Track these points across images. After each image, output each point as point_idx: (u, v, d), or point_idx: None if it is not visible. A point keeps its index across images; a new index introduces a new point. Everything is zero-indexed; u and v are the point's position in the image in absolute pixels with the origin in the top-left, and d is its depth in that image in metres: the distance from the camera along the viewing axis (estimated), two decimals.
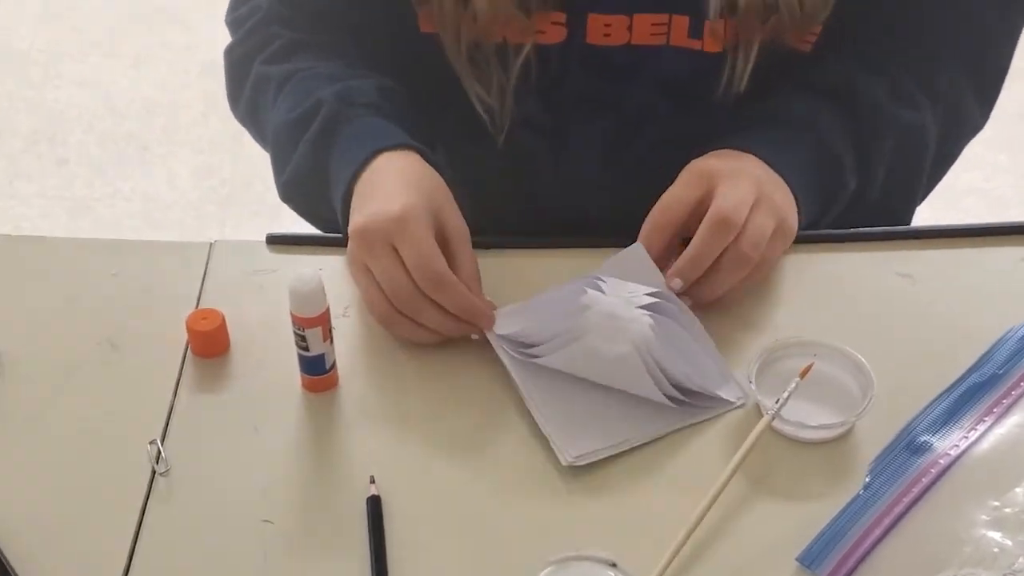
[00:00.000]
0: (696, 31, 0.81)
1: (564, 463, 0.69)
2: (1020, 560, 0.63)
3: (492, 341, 0.75)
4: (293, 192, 0.86)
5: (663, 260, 0.77)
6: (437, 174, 0.78)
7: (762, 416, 0.70)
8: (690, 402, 0.72)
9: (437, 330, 0.75)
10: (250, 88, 0.89)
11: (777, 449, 0.71)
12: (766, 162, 0.79)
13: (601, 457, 0.70)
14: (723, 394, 0.73)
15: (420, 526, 0.68)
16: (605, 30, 0.81)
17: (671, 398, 0.71)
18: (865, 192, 0.85)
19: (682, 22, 0.81)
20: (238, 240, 0.85)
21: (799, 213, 0.79)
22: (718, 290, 0.76)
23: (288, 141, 0.84)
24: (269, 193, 0.88)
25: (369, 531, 0.67)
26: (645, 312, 0.72)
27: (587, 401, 0.72)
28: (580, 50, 0.82)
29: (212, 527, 0.68)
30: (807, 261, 0.81)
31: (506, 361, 0.74)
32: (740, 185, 0.75)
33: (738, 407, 0.73)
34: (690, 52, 0.82)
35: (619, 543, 0.65)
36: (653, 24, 0.81)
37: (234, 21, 0.92)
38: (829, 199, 0.83)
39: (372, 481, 0.69)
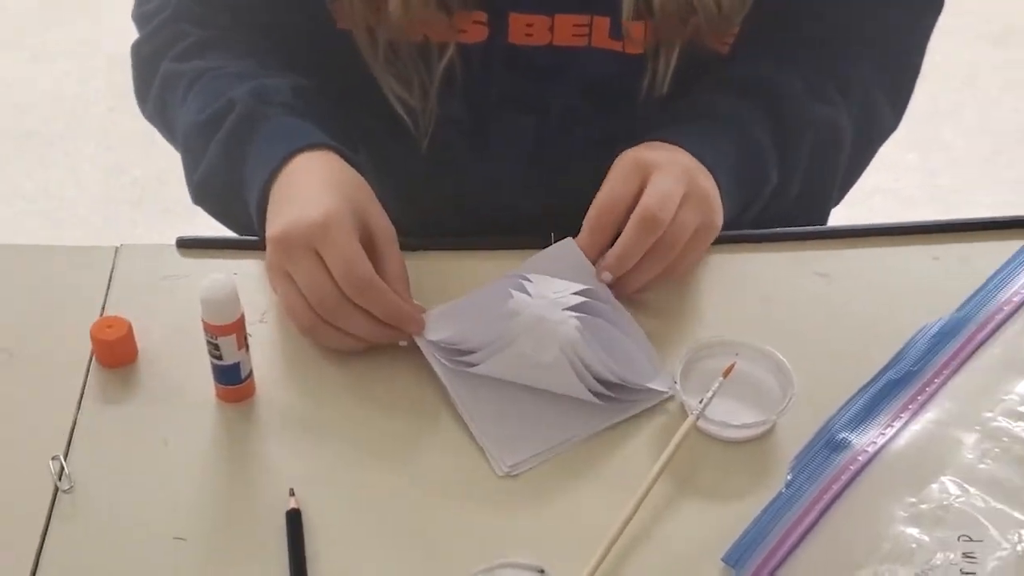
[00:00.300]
0: (617, 32, 0.81)
1: (500, 473, 0.68)
2: (937, 556, 0.64)
3: (422, 347, 0.73)
4: (205, 194, 0.83)
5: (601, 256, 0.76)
6: (358, 174, 0.76)
7: (687, 416, 0.70)
8: (618, 397, 0.72)
9: (364, 337, 0.73)
10: (158, 86, 0.86)
11: (702, 449, 0.71)
12: (694, 155, 0.79)
13: (536, 463, 0.69)
14: (653, 385, 0.73)
15: (342, 540, 0.66)
16: (527, 30, 0.80)
17: (598, 395, 0.71)
18: (786, 188, 0.85)
19: (603, 23, 0.80)
20: (146, 244, 0.82)
21: (724, 207, 0.79)
22: (638, 283, 0.76)
23: (199, 141, 0.81)
24: (183, 192, 0.84)
25: (289, 546, 0.65)
26: (572, 313, 0.72)
27: (520, 406, 0.72)
28: (502, 50, 0.81)
29: (120, 546, 0.65)
30: (727, 261, 0.81)
31: (438, 370, 0.73)
32: (670, 178, 0.75)
33: (668, 396, 0.73)
34: (612, 54, 0.81)
35: (548, 549, 0.65)
36: (575, 25, 0.81)
37: (141, 16, 0.89)
38: (753, 193, 0.83)
39: (292, 494, 0.67)
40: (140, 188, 1.88)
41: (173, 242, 0.82)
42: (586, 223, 0.76)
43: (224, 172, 0.80)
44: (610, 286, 0.76)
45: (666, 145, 0.79)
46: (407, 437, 0.71)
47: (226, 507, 0.68)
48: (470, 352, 0.73)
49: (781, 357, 0.73)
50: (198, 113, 0.81)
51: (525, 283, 0.73)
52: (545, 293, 0.73)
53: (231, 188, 0.80)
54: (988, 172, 1.93)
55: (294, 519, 0.66)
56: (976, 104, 2.03)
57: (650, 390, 0.73)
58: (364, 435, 0.71)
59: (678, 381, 0.72)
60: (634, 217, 0.74)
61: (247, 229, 0.81)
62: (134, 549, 0.65)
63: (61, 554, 0.65)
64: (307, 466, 0.69)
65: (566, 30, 0.81)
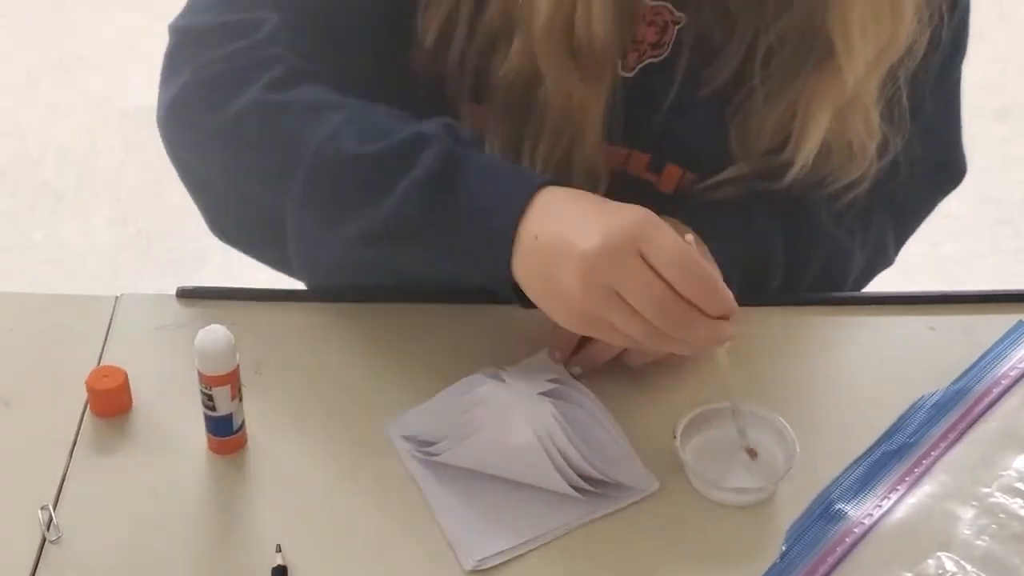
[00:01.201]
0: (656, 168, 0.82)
1: (467, 568, 0.66)
2: None
3: (394, 441, 0.72)
4: (379, 238, 0.73)
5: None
6: None
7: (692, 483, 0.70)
8: (597, 492, 0.69)
9: (699, 343, 0.68)
10: (250, 110, 0.75)
11: (698, 512, 0.70)
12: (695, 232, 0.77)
13: (506, 559, 0.67)
14: (632, 483, 0.70)
15: None
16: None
17: (578, 488, 0.69)
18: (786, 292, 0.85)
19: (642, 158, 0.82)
20: (146, 294, 0.82)
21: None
22: (643, 358, 0.75)
23: (370, 179, 0.72)
24: (190, 243, 0.85)
25: None
26: (547, 399, 0.70)
27: (490, 498, 0.69)
28: None
29: None
30: None
31: (405, 460, 0.71)
32: None
33: (648, 495, 0.70)
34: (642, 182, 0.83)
35: None
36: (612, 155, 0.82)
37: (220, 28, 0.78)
38: (753, 283, 0.82)
39: (278, 550, 0.67)
40: (146, 239, 1.89)
41: (174, 292, 0.82)
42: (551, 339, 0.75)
43: (422, 212, 0.71)
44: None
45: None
46: (395, 495, 0.70)
47: (213, 562, 0.67)
48: (437, 442, 0.71)
49: (784, 423, 0.72)
50: (360, 145, 0.72)
51: (500, 373, 0.72)
52: (519, 382, 0.71)
53: (430, 230, 0.71)
54: (991, 243, 1.93)
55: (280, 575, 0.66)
56: (979, 176, 2.05)
57: (630, 487, 0.70)
58: (352, 486, 0.70)
59: (679, 437, 0.71)
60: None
61: (405, 279, 0.76)
62: None
63: None
64: (295, 521, 0.69)
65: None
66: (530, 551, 0.67)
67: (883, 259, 0.92)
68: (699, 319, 0.66)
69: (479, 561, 0.66)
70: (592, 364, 0.75)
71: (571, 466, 0.69)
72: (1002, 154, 2.08)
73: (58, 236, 1.90)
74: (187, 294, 0.82)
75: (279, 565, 0.66)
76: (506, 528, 0.68)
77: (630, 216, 0.67)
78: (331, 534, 0.68)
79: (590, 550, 0.68)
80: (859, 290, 0.93)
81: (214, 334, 0.68)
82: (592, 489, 0.69)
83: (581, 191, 0.72)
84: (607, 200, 0.70)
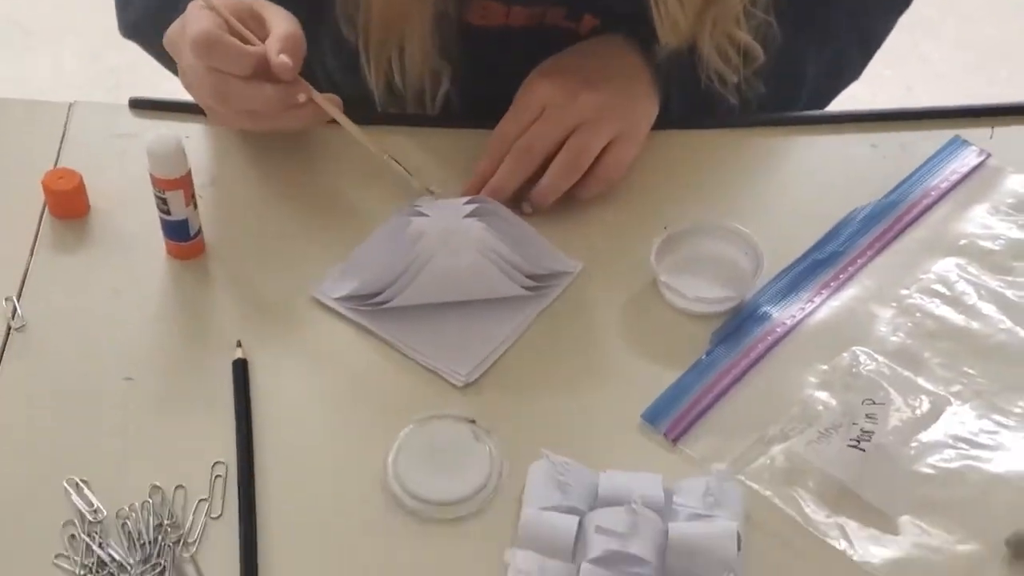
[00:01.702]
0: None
1: (460, 384, 0.70)
2: (841, 416, 0.68)
3: (333, 306, 0.73)
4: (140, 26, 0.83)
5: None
6: None
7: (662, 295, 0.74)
8: (541, 284, 0.74)
9: (252, 106, 0.74)
10: None
11: (659, 316, 0.73)
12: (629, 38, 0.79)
13: (489, 365, 0.71)
14: (564, 268, 0.75)
15: (286, 390, 0.69)
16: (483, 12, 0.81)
17: (528, 288, 0.73)
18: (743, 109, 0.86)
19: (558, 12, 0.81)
20: (99, 102, 0.83)
21: (660, 95, 0.80)
22: (550, 196, 0.77)
23: None
24: (163, 83, 0.85)
25: (235, 393, 0.68)
26: (473, 219, 0.73)
27: (451, 322, 0.72)
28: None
29: (70, 383, 0.69)
30: (667, 143, 0.82)
31: (356, 318, 0.72)
32: (566, 113, 0.76)
33: (576, 274, 0.75)
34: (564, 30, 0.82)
35: (479, 405, 0.68)
36: (529, 14, 0.81)
37: None
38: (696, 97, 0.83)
39: (239, 345, 0.70)
40: (116, 76, 1.88)
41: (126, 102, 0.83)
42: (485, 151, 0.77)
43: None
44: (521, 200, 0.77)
45: (588, 52, 0.79)
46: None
47: (175, 354, 0.71)
48: (383, 290, 0.72)
49: (755, 239, 0.74)
50: None
51: (419, 208, 0.74)
52: (442, 210, 0.74)
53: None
54: (967, 88, 1.93)
55: (241, 368, 0.69)
56: (956, 21, 2.03)
57: (564, 272, 0.75)
58: (306, 294, 0.73)
59: (654, 259, 0.74)
60: (512, 149, 0.76)
61: None
62: (85, 386, 0.69)
63: (14, 388, 0.69)
64: (253, 321, 0.72)
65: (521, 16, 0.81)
66: (502, 354, 0.71)
67: (848, 71, 0.92)
68: (232, 84, 0.72)
69: (467, 374, 0.70)
70: (542, 203, 0.77)
71: (516, 268, 0.73)
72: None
73: (27, 73, 1.88)
74: (140, 104, 0.83)
75: (239, 358, 0.70)
76: (477, 341, 0.71)
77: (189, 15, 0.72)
78: (289, 332, 0.72)
79: (552, 338, 0.72)
80: (822, 106, 0.94)
81: (165, 137, 0.70)
82: (537, 284, 0.74)
83: None
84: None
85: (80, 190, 0.76)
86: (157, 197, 0.73)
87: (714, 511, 0.62)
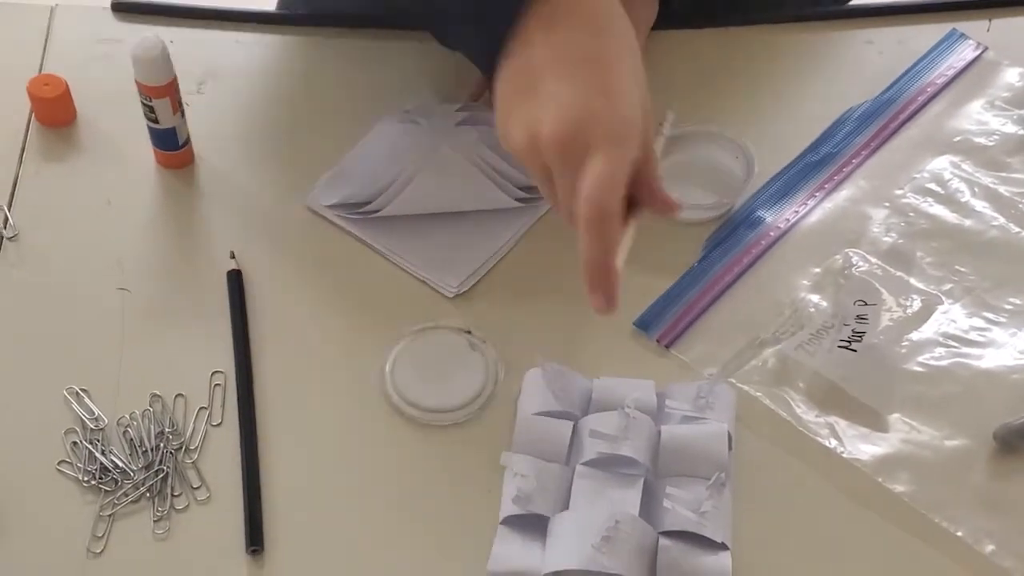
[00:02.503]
0: None
1: (451, 295, 0.69)
2: (832, 318, 0.69)
3: (324, 214, 0.72)
4: None
5: None
6: None
7: None
8: (536, 196, 0.72)
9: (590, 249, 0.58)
10: None
11: (654, 224, 0.70)
12: None
13: (480, 276, 0.70)
14: None
15: (281, 299, 0.69)
16: None
17: (521, 200, 0.72)
18: None
19: None
20: (81, 5, 0.81)
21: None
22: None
23: None
24: None
25: (230, 304, 0.68)
26: (466, 126, 0.71)
27: (442, 233, 0.72)
28: None
29: (65, 293, 0.69)
30: (662, 45, 0.81)
31: (347, 227, 0.72)
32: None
33: None
34: None
35: (473, 314, 0.68)
36: None
37: None
38: None
39: (232, 256, 0.70)
40: None
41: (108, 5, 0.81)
42: None
43: None
44: None
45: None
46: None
47: (169, 264, 0.71)
48: (373, 199, 0.71)
49: (748, 144, 0.74)
50: None
51: (411, 117, 0.72)
52: (433, 119, 0.72)
53: None
54: None
55: (236, 278, 0.69)
56: None
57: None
58: (303, 201, 0.73)
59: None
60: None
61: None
62: (78, 295, 0.69)
63: (8, 296, 0.69)
64: (246, 232, 0.72)
65: None
66: (495, 265, 0.71)
67: None
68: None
69: (458, 286, 0.70)
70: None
71: (508, 180, 0.72)
72: None
73: None
74: (122, 8, 0.81)
75: (234, 269, 0.70)
76: (468, 253, 0.71)
77: (627, 106, 0.58)
78: (283, 241, 0.72)
79: (543, 248, 0.72)
80: None
81: (149, 42, 0.69)
82: (530, 195, 0.72)
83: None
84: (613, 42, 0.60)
85: (66, 97, 0.75)
86: (144, 105, 0.72)
87: (706, 413, 0.63)
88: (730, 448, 0.62)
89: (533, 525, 0.61)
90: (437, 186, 0.71)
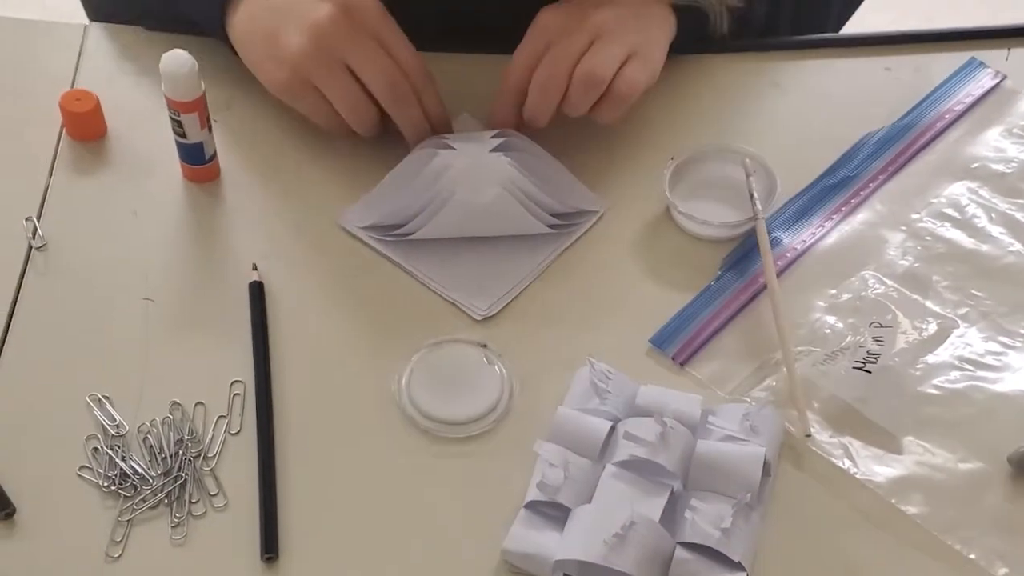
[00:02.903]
0: None
1: (479, 318, 0.70)
2: (847, 339, 0.69)
3: (358, 235, 0.73)
4: None
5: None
6: None
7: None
8: (564, 223, 0.74)
9: (416, 133, 0.72)
10: None
11: (674, 243, 0.74)
12: None
13: (507, 301, 0.71)
14: (588, 206, 0.75)
15: (301, 311, 0.70)
16: None
17: (552, 226, 0.73)
18: (775, 24, 0.85)
19: None
20: (114, 24, 0.83)
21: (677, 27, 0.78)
22: (574, 113, 0.75)
23: None
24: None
25: (252, 315, 0.69)
26: (500, 153, 0.72)
27: (472, 258, 0.73)
28: None
29: (91, 302, 0.70)
30: (680, 70, 0.82)
31: (379, 248, 0.73)
32: (577, 36, 0.73)
33: (600, 215, 0.75)
34: None
35: (489, 328, 0.69)
36: None
37: None
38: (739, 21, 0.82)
39: (254, 268, 0.71)
40: None
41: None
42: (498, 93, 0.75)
43: None
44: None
45: None
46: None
47: (193, 275, 0.72)
48: (407, 222, 0.72)
49: (771, 164, 0.75)
50: None
51: (446, 141, 0.73)
52: (468, 144, 0.73)
53: None
54: (986, 16, 1.90)
55: (257, 290, 0.70)
56: None
57: (588, 211, 0.75)
58: (325, 217, 0.74)
59: (667, 187, 0.74)
60: (533, 82, 0.73)
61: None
62: (103, 305, 0.70)
63: (34, 303, 0.70)
64: (269, 245, 0.73)
65: None
66: (522, 291, 0.72)
67: None
68: (416, 104, 0.70)
69: (487, 309, 0.70)
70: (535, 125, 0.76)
71: (540, 206, 0.73)
72: None
73: None
74: (155, 26, 0.83)
75: (256, 281, 0.71)
76: (497, 278, 0.72)
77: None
78: (304, 258, 0.73)
79: (566, 269, 0.73)
80: (847, 17, 0.92)
81: (178, 57, 0.70)
82: (560, 222, 0.74)
83: None
84: None
85: (97, 111, 0.76)
86: (172, 120, 0.73)
87: (749, 436, 0.63)
88: (770, 475, 0.63)
89: (555, 514, 0.61)
90: (469, 211, 0.72)
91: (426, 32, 0.75)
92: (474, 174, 0.71)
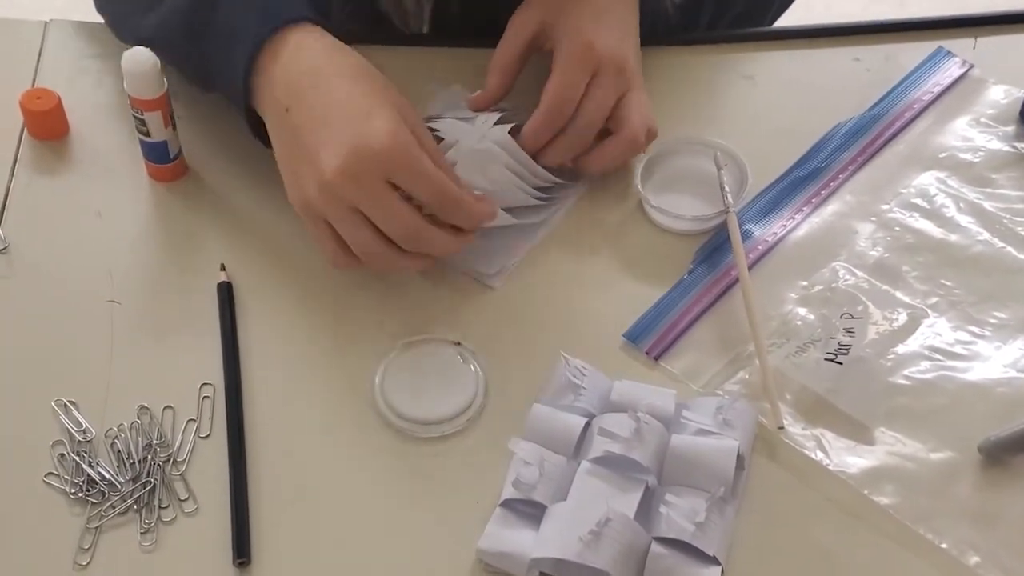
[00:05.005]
0: None
1: (496, 285, 0.71)
2: (818, 330, 0.69)
3: None
4: (151, 42, 0.71)
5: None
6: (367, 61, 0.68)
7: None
8: (555, 195, 0.75)
9: (444, 253, 0.68)
10: None
11: (647, 237, 0.74)
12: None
13: (512, 268, 0.72)
14: (571, 182, 0.76)
15: (272, 313, 0.69)
16: None
17: (540, 198, 0.74)
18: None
19: None
20: (76, 20, 0.82)
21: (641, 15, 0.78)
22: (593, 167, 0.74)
23: None
24: None
25: (220, 316, 0.68)
26: (494, 119, 0.73)
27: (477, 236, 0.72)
28: None
29: (55, 305, 0.69)
30: (652, 62, 0.82)
31: None
32: (575, 59, 0.71)
33: (579, 188, 0.76)
34: None
35: (463, 325, 0.69)
36: None
37: None
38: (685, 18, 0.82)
39: (223, 268, 0.71)
40: None
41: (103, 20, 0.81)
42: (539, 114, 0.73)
43: (183, 25, 0.70)
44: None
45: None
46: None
47: (159, 277, 0.71)
48: None
49: (741, 156, 0.75)
50: None
51: (437, 135, 0.72)
52: (454, 128, 0.73)
53: (189, 43, 0.71)
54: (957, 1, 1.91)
55: (226, 291, 0.70)
56: None
57: (571, 185, 0.76)
58: (295, 216, 0.72)
59: (639, 181, 0.74)
60: (541, 107, 0.71)
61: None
62: (69, 307, 0.69)
63: None
64: (237, 245, 0.72)
65: None
66: (522, 257, 0.72)
67: None
68: (438, 235, 0.67)
69: (495, 276, 0.71)
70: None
71: (533, 174, 0.73)
72: None
73: None
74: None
75: (224, 281, 0.70)
76: (501, 249, 0.72)
77: (382, 134, 0.63)
78: (273, 257, 0.72)
79: (538, 263, 0.73)
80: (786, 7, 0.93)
81: (140, 55, 0.69)
82: (550, 195, 0.75)
83: (338, 44, 0.68)
84: (364, 80, 0.66)
85: (59, 110, 0.75)
86: (135, 118, 0.72)
87: (723, 430, 0.63)
88: (743, 468, 0.63)
89: (530, 512, 0.61)
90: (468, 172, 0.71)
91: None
92: (474, 159, 0.71)
